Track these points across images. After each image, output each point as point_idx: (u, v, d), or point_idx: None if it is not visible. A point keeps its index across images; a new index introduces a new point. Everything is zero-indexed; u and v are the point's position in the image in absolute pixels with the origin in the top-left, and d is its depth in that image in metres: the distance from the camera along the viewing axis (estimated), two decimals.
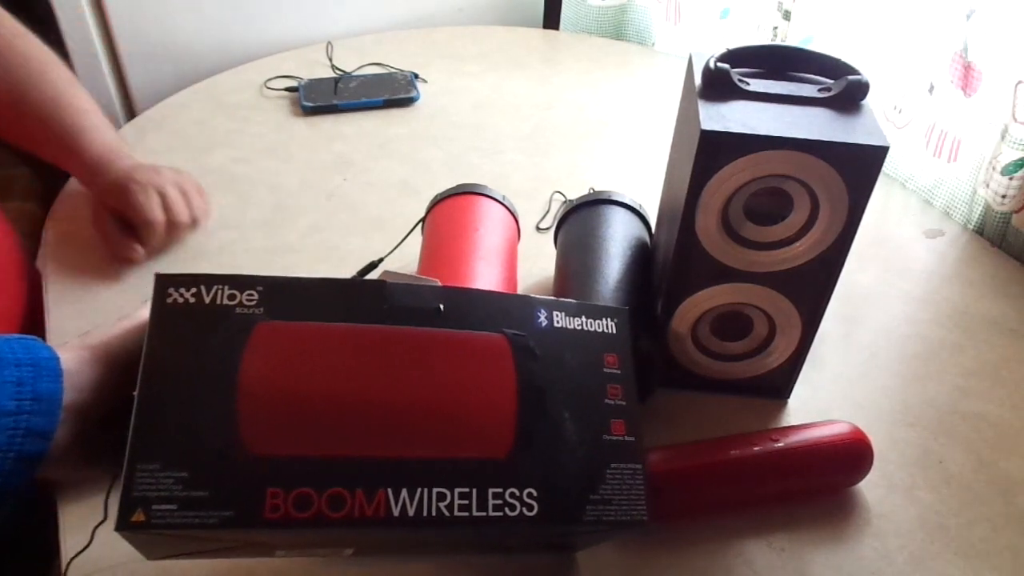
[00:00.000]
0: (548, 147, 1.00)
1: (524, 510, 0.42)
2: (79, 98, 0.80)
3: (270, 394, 0.41)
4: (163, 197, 0.78)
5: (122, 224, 0.78)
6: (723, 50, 0.59)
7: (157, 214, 0.77)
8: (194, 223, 0.81)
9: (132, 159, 0.81)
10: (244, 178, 0.92)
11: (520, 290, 0.77)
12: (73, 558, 0.53)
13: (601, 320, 0.49)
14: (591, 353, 0.47)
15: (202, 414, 0.39)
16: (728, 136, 0.53)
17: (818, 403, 0.69)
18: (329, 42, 1.17)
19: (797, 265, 0.59)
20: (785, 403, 0.68)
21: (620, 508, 0.44)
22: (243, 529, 0.38)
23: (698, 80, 0.58)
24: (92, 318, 0.72)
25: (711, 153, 0.54)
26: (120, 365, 0.48)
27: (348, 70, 1.12)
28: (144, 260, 0.79)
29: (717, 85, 0.57)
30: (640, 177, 0.95)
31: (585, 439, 0.45)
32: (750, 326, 0.64)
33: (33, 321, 0.74)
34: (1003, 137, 0.81)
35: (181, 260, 0.80)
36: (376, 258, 0.78)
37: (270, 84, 1.09)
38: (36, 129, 0.78)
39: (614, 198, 0.74)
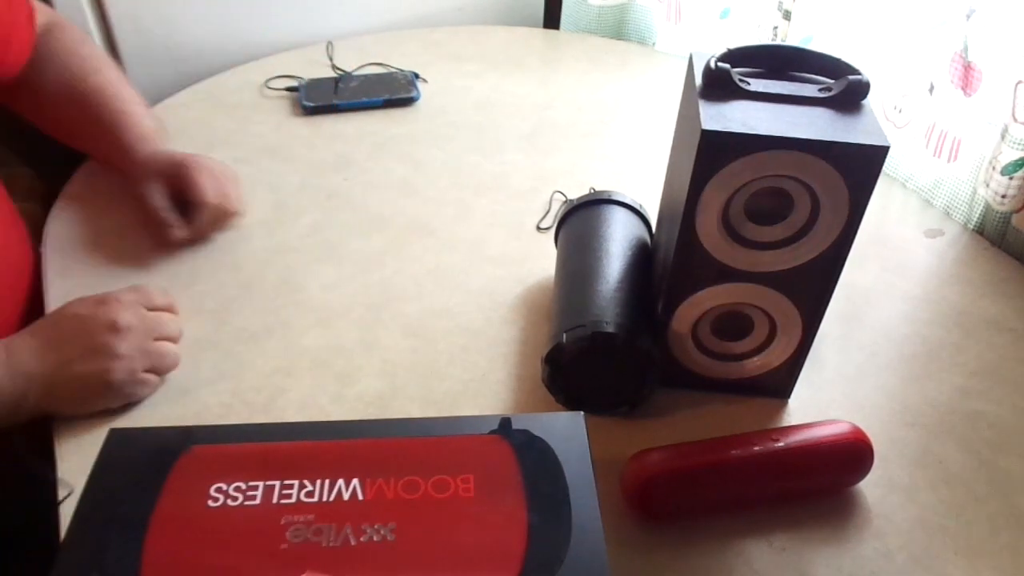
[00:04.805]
0: (548, 147, 1.00)
1: None
2: (126, 90, 0.86)
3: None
4: (217, 182, 0.80)
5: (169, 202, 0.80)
6: (724, 50, 0.59)
7: (215, 196, 0.79)
8: (236, 214, 0.83)
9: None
10: (244, 178, 0.91)
11: (521, 289, 0.77)
12: None
13: None
14: None
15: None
16: (729, 136, 0.53)
17: (818, 403, 0.69)
18: (329, 42, 1.17)
19: (797, 265, 0.59)
20: (785, 403, 0.68)
21: None
22: None
23: (699, 80, 0.58)
24: None
25: (712, 153, 0.54)
26: None
27: (348, 70, 1.12)
28: (182, 242, 0.80)
29: (718, 85, 0.57)
30: (640, 177, 0.95)
31: None
32: (750, 326, 0.64)
33: (34, 320, 0.73)
34: (1003, 137, 0.81)
35: (180, 257, 0.80)
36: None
37: (270, 84, 1.09)
38: (84, 114, 0.83)
39: (614, 198, 0.74)
